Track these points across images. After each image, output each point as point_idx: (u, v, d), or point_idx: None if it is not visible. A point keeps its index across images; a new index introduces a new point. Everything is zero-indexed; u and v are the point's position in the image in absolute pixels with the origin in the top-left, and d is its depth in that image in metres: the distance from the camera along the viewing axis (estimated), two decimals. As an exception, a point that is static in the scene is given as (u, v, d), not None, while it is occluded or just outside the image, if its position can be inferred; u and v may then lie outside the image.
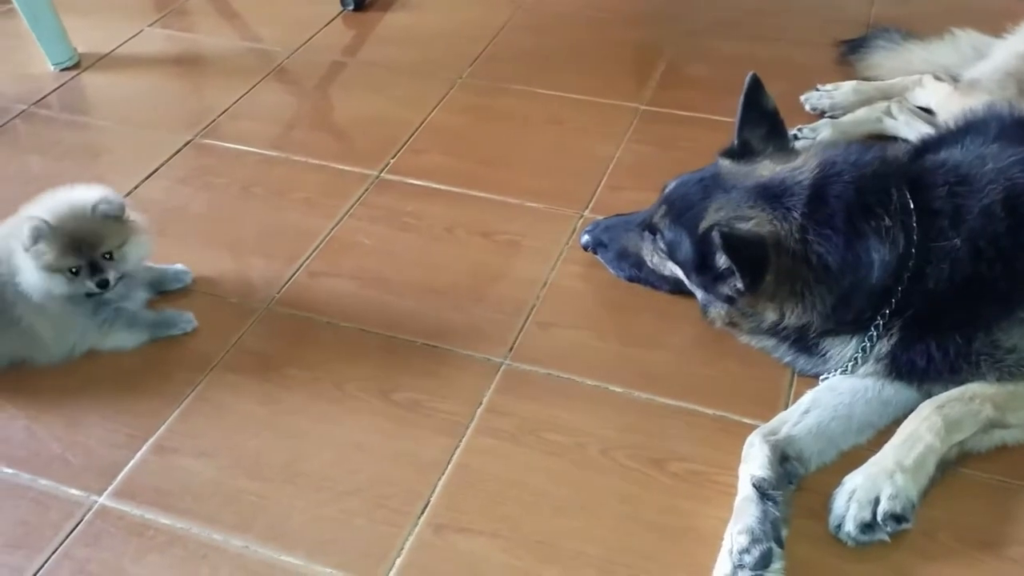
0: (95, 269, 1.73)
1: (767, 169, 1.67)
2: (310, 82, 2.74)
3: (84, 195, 1.75)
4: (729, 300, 1.65)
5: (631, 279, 1.91)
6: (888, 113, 2.31)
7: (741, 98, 1.74)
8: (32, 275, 1.71)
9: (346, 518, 1.52)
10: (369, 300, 1.94)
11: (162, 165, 2.35)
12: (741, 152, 1.73)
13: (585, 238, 1.95)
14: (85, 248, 1.71)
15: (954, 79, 2.28)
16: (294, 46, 2.86)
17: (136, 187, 2.27)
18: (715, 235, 1.54)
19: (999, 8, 2.48)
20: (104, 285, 1.74)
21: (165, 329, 1.85)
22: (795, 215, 1.56)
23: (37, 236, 1.67)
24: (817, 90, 2.47)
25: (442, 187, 2.25)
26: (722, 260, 1.58)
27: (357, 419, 1.69)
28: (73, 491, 1.57)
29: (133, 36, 2.93)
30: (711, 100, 2.48)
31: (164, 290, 1.95)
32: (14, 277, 1.72)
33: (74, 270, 1.72)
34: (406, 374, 1.76)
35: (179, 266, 1.98)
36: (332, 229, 2.13)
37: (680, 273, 1.77)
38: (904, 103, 2.31)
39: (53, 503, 1.56)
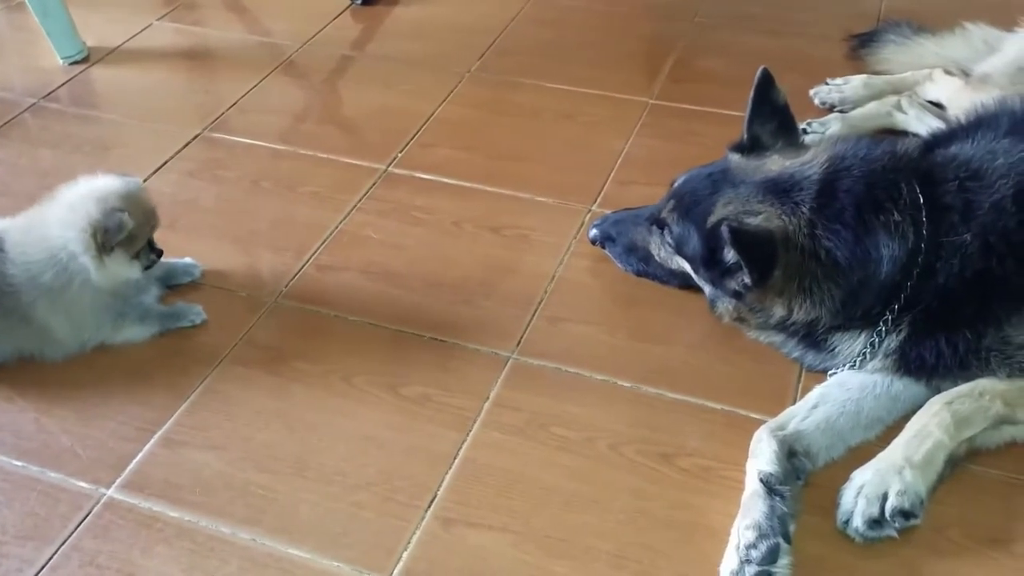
0: (151, 244, 1.80)
1: (776, 164, 1.66)
2: (319, 76, 2.74)
3: (110, 183, 1.77)
4: (737, 295, 1.65)
5: (639, 273, 1.90)
6: (898, 107, 2.29)
7: (751, 93, 1.73)
8: (119, 267, 1.74)
9: (355, 511, 1.52)
10: (378, 294, 1.94)
11: (171, 158, 2.35)
12: (750, 147, 1.73)
13: (593, 232, 1.95)
14: (150, 229, 1.79)
15: (965, 73, 2.27)
16: (303, 40, 2.86)
17: (146, 180, 2.27)
18: (724, 230, 1.53)
19: (1011, 1, 2.46)
20: (160, 253, 1.82)
21: (175, 321, 1.85)
22: (804, 210, 1.56)
23: (123, 227, 1.69)
24: (827, 84, 2.46)
25: (451, 181, 2.25)
26: (730, 255, 1.58)
27: (366, 413, 1.69)
28: (82, 484, 1.58)
29: (142, 30, 2.93)
30: (721, 94, 2.48)
31: (174, 284, 1.96)
32: (43, 274, 1.71)
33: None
34: (415, 368, 1.77)
35: (188, 260, 1.98)
36: (341, 223, 2.13)
37: (688, 268, 1.77)
38: (914, 97, 2.30)
39: (62, 495, 1.56)
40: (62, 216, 1.73)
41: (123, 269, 1.76)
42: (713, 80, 2.59)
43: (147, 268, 1.80)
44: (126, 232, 1.70)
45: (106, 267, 1.73)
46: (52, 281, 1.71)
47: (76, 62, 2.75)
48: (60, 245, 1.71)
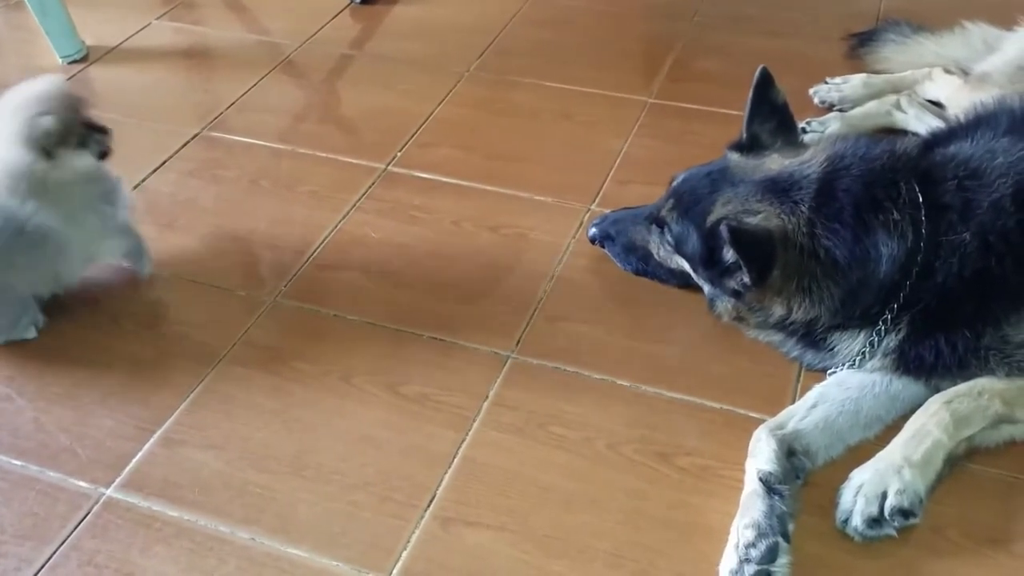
0: (91, 127, 1.85)
1: (775, 163, 1.66)
2: (318, 75, 2.74)
3: (23, 92, 1.81)
4: (736, 294, 1.65)
5: (638, 272, 1.90)
6: (897, 107, 2.29)
7: (751, 92, 1.73)
8: (72, 162, 1.79)
9: (353, 511, 1.52)
10: (376, 293, 1.94)
11: (170, 158, 2.35)
12: (750, 146, 1.73)
13: (592, 231, 1.95)
14: (79, 116, 1.83)
15: (964, 72, 2.27)
16: (302, 39, 2.86)
17: (144, 179, 2.27)
18: (723, 229, 1.53)
19: (1010, 1, 2.46)
20: (104, 131, 1.87)
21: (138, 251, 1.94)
22: (803, 209, 1.56)
23: (49, 132, 1.74)
24: (826, 83, 2.46)
25: (450, 180, 2.25)
26: (729, 254, 1.58)
27: (364, 412, 1.69)
28: (81, 483, 1.58)
29: (141, 29, 2.93)
30: (720, 94, 2.48)
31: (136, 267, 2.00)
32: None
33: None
34: (413, 367, 1.77)
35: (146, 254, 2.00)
36: (340, 222, 2.13)
37: (687, 267, 1.76)
38: (914, 96, 2.30)
39: (61, 495, 1.56)
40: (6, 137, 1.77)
41: (75, 161, 1.80)
42: (712, 80, 2.59)
43: (102, 153, 1.87)
44: (52, 133, 1.75)
45: (60, 167, 1.77)
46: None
47: (75, 61, 2.75)
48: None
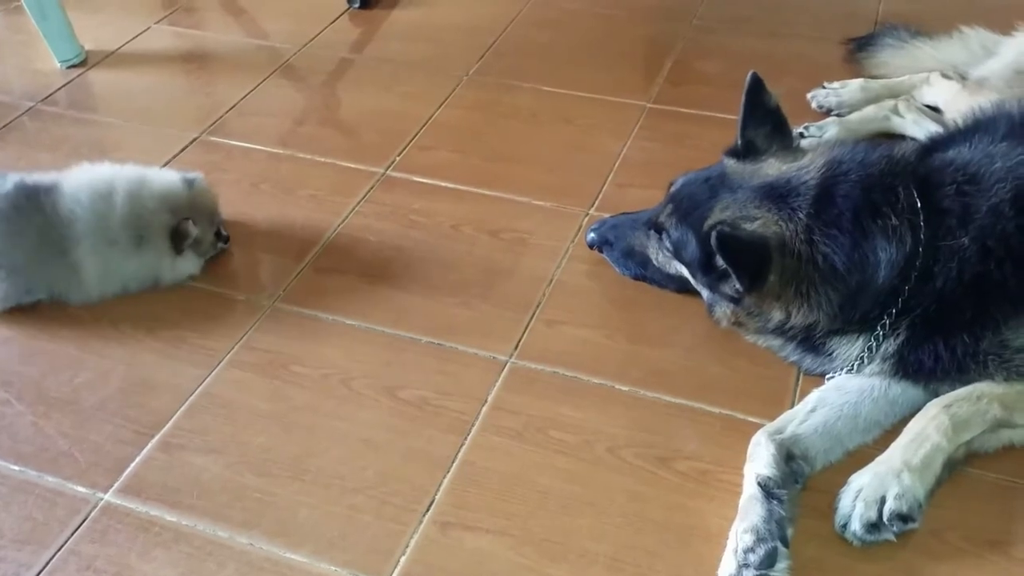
0: (218, 234, 2.00)
1: (773, 168, 1.66)
2: (317, 79, 2.74)
3: (166, 176, 1.98)
4: (734, 300, 1.65)
5: (637, 277, 1.90)
6: (895, 111, 2.30)
7: (743, 97, 1.73)
8: (186, 264, 1.94)
9: (352, 515, 1.52)
10: (376, 297, 1.94)
11: (170, 162, 2.35)
12: (745, 151, 1.73)
13: (591, 236, 1.95)
14: (215, 220, 2.00)
15: (962, 77, 2.27)
16: (301, 42, 2.86)
17: (143, 184, 2.27)
18: (712, 236, 1.53)
19: (1008, 5, 2.47)
20: (227, 240, 2.02)
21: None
22: (801, 215, 1.56)
23: (189, 235, 1.89)
24: (824, 88, 2.46)
25: (449, 184, 2.25)
26: (721, 261, 1.57)
27: (363, 416, 1.69)
28: (80, 488, 1.58)
29: (140, 33, 2.93)
30: (719, 97, 2.48)
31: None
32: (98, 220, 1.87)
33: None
34: (412, 371, 1.77)
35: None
36: (339, 226, 2.13)
37: (686, 272, 1.77)
38: (912, 101, 2.30)
39: (60, 499, 1.56)
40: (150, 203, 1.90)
41: (189, 267, 1.95)
42: (711, 83, 2.59)
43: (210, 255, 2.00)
44: (191, 240, 1.90)
45: (176, 267, 1.92)
46: (120, 243, 1.88)
47: (74, 65, 2.75)
48: (147, 231, 1.89)
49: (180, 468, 1.61)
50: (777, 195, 1.59)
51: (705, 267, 1.67)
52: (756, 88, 1.73)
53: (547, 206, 2.17)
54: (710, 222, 1.63)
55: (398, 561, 1.46)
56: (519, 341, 1.83)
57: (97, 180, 1.91)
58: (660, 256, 1.82)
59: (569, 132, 2.44)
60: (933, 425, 1.50)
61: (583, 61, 2.72)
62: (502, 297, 1.93)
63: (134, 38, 2.90)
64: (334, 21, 2.98)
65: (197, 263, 1.96)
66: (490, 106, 2.54)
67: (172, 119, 2.52)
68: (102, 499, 1.56)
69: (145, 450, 1.64)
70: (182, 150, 2.39)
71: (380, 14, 3.03)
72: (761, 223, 1.57)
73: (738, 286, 1.56)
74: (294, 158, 2.37)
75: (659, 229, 1.78)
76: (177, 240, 1.89)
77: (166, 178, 1.96)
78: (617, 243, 1.91)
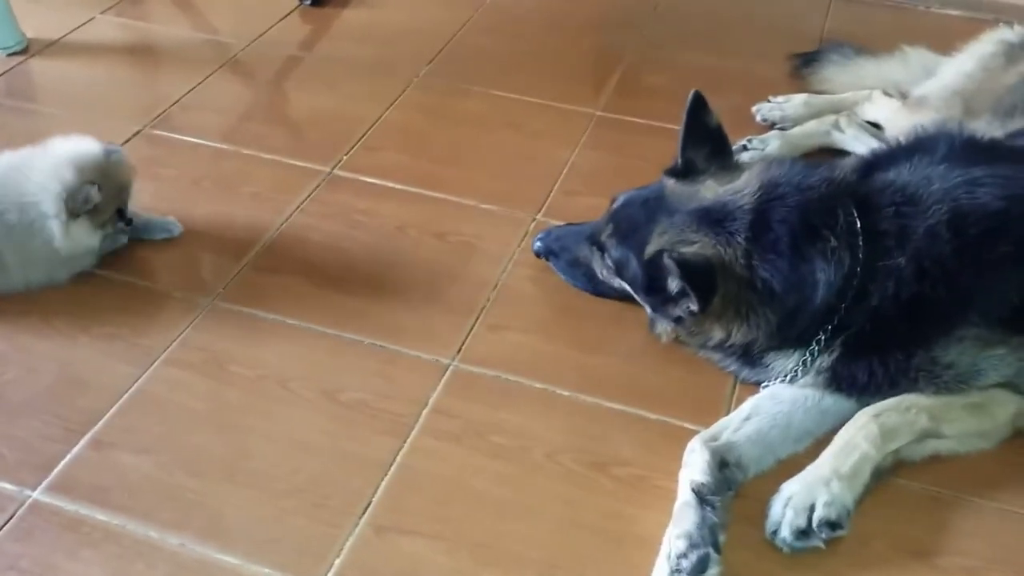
0: (121, 213, 1.92)
1: (710, 191, 1.66)
2: (264, 75, 2.71)
3: (92, 150, 1.88)
4: (678, 320, 1.66)
5: (585, 288, 1.91)
6: (837, 127, 2.33)
7: (684, 116, 1.73)
8: (81, 234, 1.85)
9: (286, 517, 1.51)
10: (317, 298, 1.92)
11: (110, 155, 2.30)
12: (685, 171, 1.73)
13: (537, 245, 1.95)
14: (120, 202, 1.90)
15: (903, 95, 2.32)
16: (249, 38, 2.82)
17: (82, 176, 2.22)
18: (667, 260, 1.54)
19: (949, 28, 2.54)
20: (129, 223, 1.94)
21: (147, 233, 2.01)
22: (739, 240, 1.57)
23: (89, 200, 1.80)
24: (769, 102, 2.49)
25: (395, 186, 2.24)
26: (675, 284, 1.58)
27: (301, 418, 1.67)
28: (6, 485, 1.54)
29: (85, 23, 2.87)
30: (667, 109, 2.48)
31: (148, 238, 2.03)
32: (9, 213, 1.80)
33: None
34: (352, 373, 1.75)
35: (169, 218, 2.05)
36: (281, 225, 2.11)
37: (629, 288, 1.78)
38: (853, 117, 2.34)
39: (-15, 497, 1.52)
40: (45, 171, 1.82)
41: (85, 236, 1.86)
42: (658, 95, 2.61)
43: (109, 238, 1.92)
44: (91, 204, 1.81)
45: (70, 233, 1.82)
46: (16, 223, 1.81)
47: (14, 53, 2.68)
48: (34, 199, 1.81)
49: (111, 467, 1.58)
50: (713, 219, 1.59)
51: (648, 288, 1.67)
52: (698, 107, 1.73)
53: (494, 211, 2.17)
54: (651, 247, 1.64)
55: (332, 564, 1.44)
56: (462, 345, 1.83)
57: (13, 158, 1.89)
58: (604, 271, 1.83)
59: (518, 138, 2.44)
60: (862, 434, 1.53)
61: (533, 68, 2.73)
62: (446, 300, 1.93)
63: (78, 27, 2.84)
64: (284, 18, 2.95)
65: (93, 236, 1.87)
66: (439, 109, 2.54)
67: (115, 111, 2.48)
68: (30, 497, 1.53)
69: (75, 448, 1.60)
70: (124, 143, 2.33)
71: (331, 13, 3.00)
72: (699, 247, 1.58)
73: (692, 307, 1.56)
74: (238, 155, 2.34)
75: (601, 248, 1.79)
76: (73, 201, 1.80)
77: (84, 143, 1.90)
78: (562, 254, 1.91)
